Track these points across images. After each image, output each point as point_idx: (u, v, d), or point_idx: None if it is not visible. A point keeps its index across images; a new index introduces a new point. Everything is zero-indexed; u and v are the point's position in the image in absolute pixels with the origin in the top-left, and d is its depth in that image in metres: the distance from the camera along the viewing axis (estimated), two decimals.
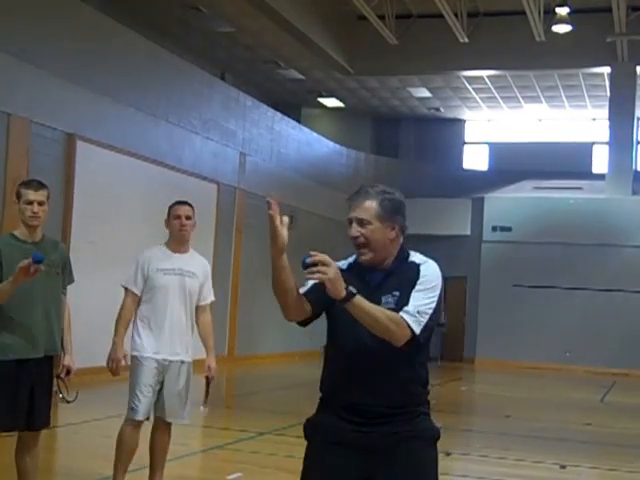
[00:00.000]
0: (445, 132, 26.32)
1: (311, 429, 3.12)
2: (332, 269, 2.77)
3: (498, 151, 26.16)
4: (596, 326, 20.52)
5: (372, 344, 2.93)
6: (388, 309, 2.92)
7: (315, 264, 2.76)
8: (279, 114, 19.65)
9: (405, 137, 26.61)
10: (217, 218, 16.29)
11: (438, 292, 3.08)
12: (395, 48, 19.84)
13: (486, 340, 21.41)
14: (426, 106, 25.09)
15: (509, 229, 21.66)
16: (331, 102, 24.68)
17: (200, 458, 7.76)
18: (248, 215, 17.03)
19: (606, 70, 20.71)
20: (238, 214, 17.13)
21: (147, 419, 5.36)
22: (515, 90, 23.00)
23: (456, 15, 18.48)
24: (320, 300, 2.95)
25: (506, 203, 21.90)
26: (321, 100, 24.52)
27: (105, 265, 12.04)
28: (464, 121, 26.59)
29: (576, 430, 10.59)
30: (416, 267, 3.09)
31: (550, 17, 18.49)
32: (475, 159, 26.54)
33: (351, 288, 2.81)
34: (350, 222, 3.05)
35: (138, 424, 5.29)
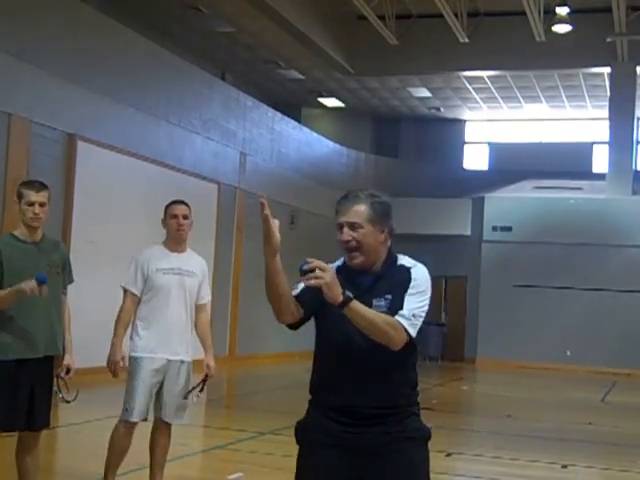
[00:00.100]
0: (445, 132, 26.32)
1: (302, 431, 3.13)
2: (329, 274, 2.79)
3: (498, 151, 26.16)
4: (596, 326, 20.52)
5: (363, 346, 2.94)
6: (380, 312, 2.94)
7: (312, 270, 2.78)
8: (279, 114, 19.65)
9: (405, 137, 26.60)
10: (218, 218, 16.30)
11: (429, 295, 3.12)
12: (395, 48, 19.84)
13: (487, 340, 21.41)
14: (426, 106, 25.09)
15: (509, 229, 21.66)
16: (331, 102, 24.68)
17: (200, 458, 7.76)
18: (248, 215, 17.03)
19: (606, 70, 20.71)
20: (239, 214, 17.14)
21: (145, 420, 5.35)
22: (515, 90, 23.00)
23: (456, 15, 18.48)
24: (311, 303, 2.97)
25: (506, 203, 21.90)
26: (321, 100, 24.52)
27: (105, 265, 12.03)
28: (464, 121, 26.58)
29: (577, 430, 10.59)
30: (406, 270, 3.10)
31: (550, 17, 18.49)
32: (475, 159, 26.54)
33: (348, 293, 2.83)
34: (341, 227, 3.05)
35: (132, 425, 5.27)
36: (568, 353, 20.61)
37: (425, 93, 23.62)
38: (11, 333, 4.55)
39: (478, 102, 24.39)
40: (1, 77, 11.03)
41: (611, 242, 20.53)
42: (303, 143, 20.65)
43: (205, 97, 16.34)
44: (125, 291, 5.36)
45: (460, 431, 10.42)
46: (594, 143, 25.37)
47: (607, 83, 21.33)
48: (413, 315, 2.99)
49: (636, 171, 21.96)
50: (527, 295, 21.11)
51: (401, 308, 2.98)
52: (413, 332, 2.99)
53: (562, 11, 18.32)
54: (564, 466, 7.77)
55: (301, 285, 2.99)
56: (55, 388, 4.80)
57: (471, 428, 10.98)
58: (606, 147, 21.88)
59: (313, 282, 2.78)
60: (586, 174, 23.54)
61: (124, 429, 5.27)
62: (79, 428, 8.43)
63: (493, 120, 26.28)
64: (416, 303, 3.02)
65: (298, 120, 21.91)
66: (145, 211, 12.91)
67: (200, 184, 15.54)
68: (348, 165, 22.90)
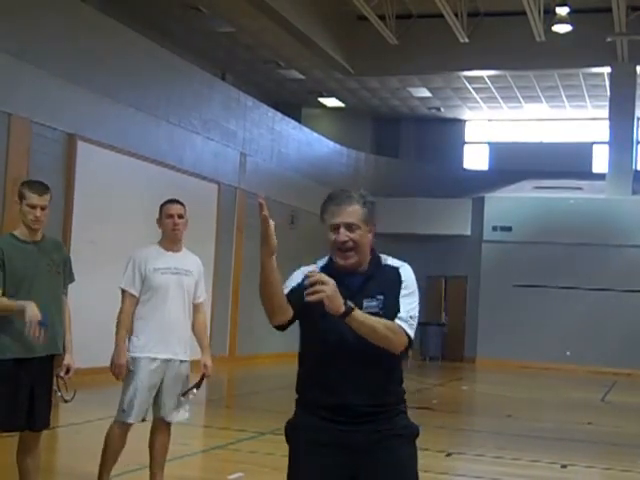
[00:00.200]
0: (445, 132, 26.33)
1: (293, 431, 3.14)
2: (330, 287, 2.80)
3: (498, 151, 26.17)
4: (597, 326, 20.52)
5: (357, 345, 2.95)
6: (371, 313, 2.96)
7: (313, 284, 2.79)
8: (279, 114, 19.66)
9: (405, 137, 26.61)
10: (218, 218, 16.30)
11: (418, 294, 3.15)
12: (395, 48, 19.85)
13: (487, 340, 21.41)
14: (426, 106, 25.10)
15: (509, 229, 21.66)
16: (331, 102, 24.69)
17: (201, 458, 7.76)
18: (249, 215, 17.04)
19: (606, 70, 20.72)
20: (239, 214, 17.14)
21: (144, 420, 5.33)
22: (515, 90, 23.01)
23: (456, 15, 18.49)
24: (300, 303, 2.95)
25: (506, 203, 21.90)
26: (321, 100, 24.53)
27: (105, 265, 12.03)
28: (464, 121, 26.59)
29: (577, 430, 10.59)
30: (395, 271, 3.13)
31: (550, 17, 18.50)
32: (475, 159, 26.55)
33: (349, 303, 2.85)
34: (337, 227, 3.04)
35: (127, 426, 5.24)
36: (568, 353, 20.62)
37: (425, 93, 23.62)
38: (11, 333, 4.55)
39: (478, 102, 24.39)
40: (1, 77, 11.03)
41: (611, 242, 20.54)
42: (303, 143, 20.66)
43: (205, 97, 16.35)
44: (123, 292, 5.33)
45: (460, 431, 10.42)
46: (594, 143, 25.39)
47: (607, 83, 21.34)
48: (410, 317, 3.03)
49: (636, 171, 21.97)
50: (527, 295, 21.11)
51: (398, 311, 3.02)
52: (412, 333, 3.03)
53: (562, 11, 18.33)
54: (564, 466, 7.77)
55: (290, 285, 3.01)
56: (54, 387, 4.80)
57: (471, 428, 10.98)
58: (606, 147, 21.88)
59: (315, 297, 2.79)
60: (586, 174, 23.55)
61: (119, 430, 5.24)
62: (79, 428, 8.43)
63: (493, 120, 26.29)
64: (411, 305, 3.06)
65: (298, 120, 21.91)
66: (145, 211, 12.85)
67: (200, 184, 15.55)
68: (348, 165, 22.91)
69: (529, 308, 21.00)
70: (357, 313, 2.87)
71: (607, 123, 21.56)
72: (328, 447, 3.01)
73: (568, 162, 23.92)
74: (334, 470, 3.02)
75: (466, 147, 26.85)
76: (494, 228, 21.76)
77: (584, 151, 25.26)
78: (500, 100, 24.07)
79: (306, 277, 2.83)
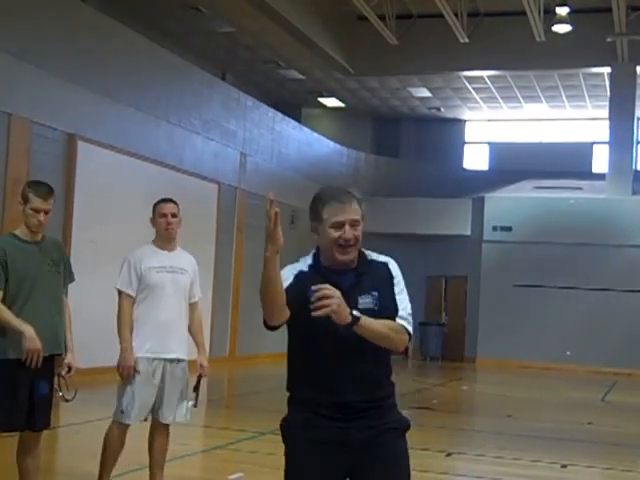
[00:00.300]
0: (445, 132, 26.33)
1: (289, 429, 3.14)
2: (336, 300, 2.82)
3: (498, 151, 26.17)
4: (597, 326, 20.52)
5: (354, 342, 2.96)
6: (366, 309, 2.98)
7: (320, 299, 2.80)
8: (279, 114, 19.66)
9: (405, 137, 26.61)
10: (218, 218, 16.30)
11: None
12: (395, 48, 19.85)
13: (487, 340, 21.41)
14: (426, 106, 25.09)
15: (509, 229, 21.65)
16: (331, 102, 24.69)
17: (201, 458, 7.77)
18: (249, 215, 17.04)
19: (606, 70, 20.72)
20: (239, 214, 17.15)
21: (145, 419, 5.32)
22: (515, 90, 23.01)
23: (456, 15, 18.48)
24: (295, 302, 2.95)
25: (506, 203, 21.90)
26: (321, 100, 24.53)
27: (105, 265, 12.00)
28: (464, 121, 26.59)
29: (577, 429, 10.59)
30: (384, 266, 3.17)
31: (550, 17, 18.50)
32: (475, 159, 26.55)
33: (355, 312, 2.88)
34: (342, 225, 3.04)
35: (126, 427, 5.24)
36: (568, 353, 20.61)
37: (425, 93, 23.62)
38: (12, 334, 4.55)
39: (478, 102, 24.39)
40: (1, 77, 11.03)
41: (611, 242, 20.53)
42: (303, 143, 20.66)
43: (205, 97, 16.35)
44: (120, 293, 5.31)
45: (460, 431, 10.42)
46: (594, 143, 25.39)
47: (607, 83, 21.34)
48: (408, 314, 3.10)
49: (636, 171, 21.97)
50: (527, 295, 21.11)
51: (396, 308, 3.07)
52: (411, 330, 3.09)
53: (562, 11, 18.33)
54: (564, 466, 7.77)
55: (284, 284, 2.99)
56: (55, 386, 4.80)
57: (471, 428, 10.97)
58: (606, 147, 21.88)
59: (322, 312, 2.80)
60: (586, 174, 23.55)
61: (118, 430, 5.24)
62: (79, 428, 8.43)
63: (493, 120, 26.29)
64: (405, 301, 3.12)
65: (298, 120, 21.92)
66: (145, 211, 12.82)
67: (200, 184, 15.55)
68: (348, 165, 22.91)
69: (529, 308, 21.00)
70: (363, 321, 2.90)
71: (607, 123, 21.56)
72: (327, 445, 3.01)
73: (568, 162, 23.92)
74: (333, 470, 3.03)
75: (466, 147, 26.85)
76: (494, 228, 21.75)
77: (584, 151, 25.26)
78: (500, 100, 24.06)
79: (312, 291, 2.81)
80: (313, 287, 2.83)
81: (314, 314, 2.80)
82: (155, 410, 5.32)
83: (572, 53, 19.57)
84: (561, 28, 18.61)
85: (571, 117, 25.40)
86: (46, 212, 4.63)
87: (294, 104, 23.83)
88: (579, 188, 22.10)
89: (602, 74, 21.17)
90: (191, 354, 5.48)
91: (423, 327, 21.40)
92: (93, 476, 5.32)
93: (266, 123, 18.79)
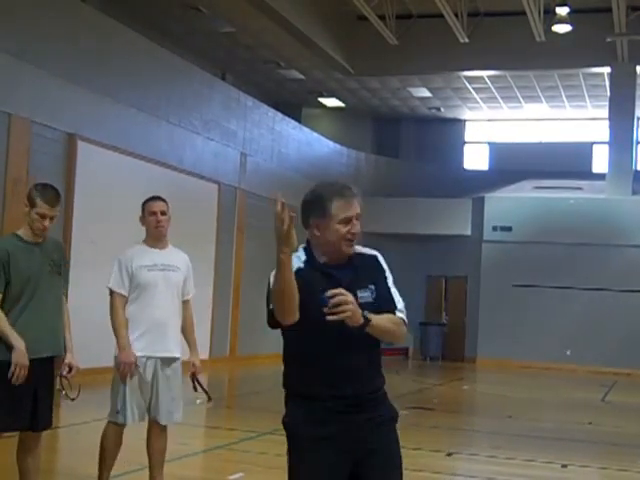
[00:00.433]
0: (445, 132, 26.33)
1: (292, 427, 3.14)
2: (351, 306, 2.87)
3: (498, 151, 26.17)
4: (597, 326, 20.52)
5: (357, 336, 2.99)
6: (365, 303, 3.02)
7: (337, 305, 2.84)
8: (280, 114, 19.66)
9: (405, 137, 26.61)
10: (218, 218, 16.30)
11: None
12: (395, 48, 19.85)
13: (487, 340, 21.41)
14: (426, 106, 25.10)
15: (509, 229, 21.65)
16: (331, 102, 24.69)
17: (201, 458, 7.76)
18: (249, 215, 17.04)
19: (606, 70, 20.72)
20: (239, 214, 17.15)
21: (142, 419, 5.31)
22: (515, 90, 23.00)
23: (456, 15, 18.48)
24: (300, 302, 2.95)
25: (506, 203, 21.90)
26: (321, 100, 24.53)
27: (105, 265, 11.90)
28: (464, 121, 26.59)
29: (577, 430, 10.59)
30: (374, 259, 3.24)
31: (550, 17, 18.50)
32: (475, 159, 26.55)
33: (365, 314, 2.93)
34: (349, 220, 3.08)
35: (122, 427, 5.22)
36: (568, 353, 20.61)
37: (425, 93, 23.62)
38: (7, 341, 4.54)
39: (478, 102, 24.39)
40: (1, 77, 11.03)
41: (611, 242, 20.53)
42: (303, 143, 20.66)
43: (205, 97, 16.35)
44: (112, 293, 5.29)
45: (461, 431, 10.42)
46: (594, 143, 25.38)
47: (607, 83, 21.34)
48: (403, 306, 3.18)
49: (636, 171, 21.96)
50: (527, 295, 21.11)
51: (392, 302, 3.14)
52: (407, 321, 3.18)
53: (562, 11, 18.33)
54: (564, 466, 7.77)
55: None
56: (58, 387, 4.80)
57: (472, 428, 10.97)
58: (606, 147, 21.87)
59: (337, 317, 2.85)
60: (586, 174, 23.55)
61: (114, 430, 5.22)
62: (80, 428, 8.43)
63: (493, 120, 26.29)
64: (397, 294, 3.20)
65: (298, 120, 21.92)
66: None
67: (200, 184, 15.55)
68: (348, 165, 22.91)
69: (529, 308, 21.00)
70: (374, 322, 2.97)
71: (607, 123, 21.56)
72: (330, 440, 3.03)
73: (568, 162, 23.92)
74: (340, 463, 3.05)
75: (466, 147, 26.85)
76: (494, 228, 21.75)
77: (584, 151, 25.25)
78: (500, 100, 24.07)
79: (326, 297, 2.83)
80: (327, 293, 2.85)
81: (329, 318, 2.84)
82: (152, 411, 5.29)
83: (572, 53, 19.57)
84: (561, 28, 18.61)
85: (571, 117, 25.40)
86: (52, 218, 4.63)
87: (294, 104, 23.83)
88: (579, 188, 22.10)
89: (602, 74, 21.17)
90: (184, 353, 5.45)
91: (423, 327, 21.40)
92: (93, 477, 5.32)
93: (266, 123, 18.79)
